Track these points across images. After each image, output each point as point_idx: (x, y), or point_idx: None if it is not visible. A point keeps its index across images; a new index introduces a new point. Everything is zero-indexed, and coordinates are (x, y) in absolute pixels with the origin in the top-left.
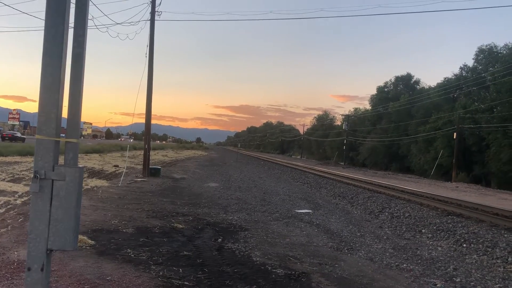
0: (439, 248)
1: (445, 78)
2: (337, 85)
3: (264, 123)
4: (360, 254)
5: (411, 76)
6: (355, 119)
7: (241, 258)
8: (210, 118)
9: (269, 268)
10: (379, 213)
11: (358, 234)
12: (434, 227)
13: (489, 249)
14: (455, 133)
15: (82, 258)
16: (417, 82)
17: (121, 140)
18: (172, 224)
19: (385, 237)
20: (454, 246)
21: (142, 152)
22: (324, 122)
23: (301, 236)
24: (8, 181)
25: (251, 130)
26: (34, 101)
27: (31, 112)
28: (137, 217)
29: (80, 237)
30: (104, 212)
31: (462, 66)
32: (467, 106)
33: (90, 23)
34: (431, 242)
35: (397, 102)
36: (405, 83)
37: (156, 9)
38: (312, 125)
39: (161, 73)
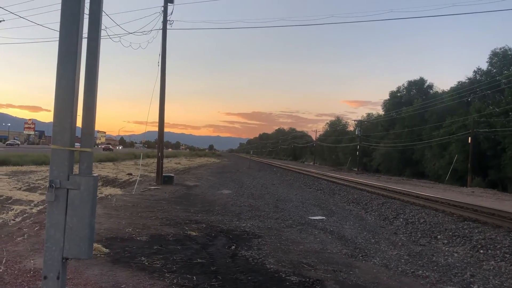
0: (455, 254)
1: (458, 82)
2: (349, 90)
3: (276, 130)
4: (375, 260)
5: (424, 81)
6: (368, 125)
7: (254, 266)
8: (222, 125)
9: (283, 275)
10: (393, 219)
11: (373, 240)
12: (450, 233)
13: (507, 255)
14: (469, 138)
15: (97, 266)
16: (430, 86)
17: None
18: (186, 232)
19: (400, 244)
20: (470, 252)
21: (155, 160)
22: (336, 128)
23: (315, 243)
24: (24, 190)
25: (263, 137)
26: (49, 111)
27: (46, 121)
28: (151, 225)
29: (95, 245)
30: (118, 220)
31: (476, 70)
32: (482, 110)
33: (103, 33)
34: (447, 248)
35: (410, 107)
36: (418, 87)
37: (167, 18)
38: (325, 131)
39: (173, 81)
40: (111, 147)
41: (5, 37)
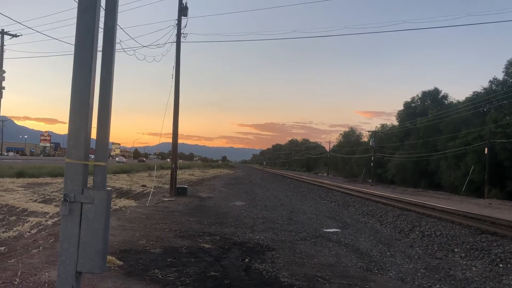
0: (474, 268)
1: (474, 92)
2: (363, 101)
3: (289, 141)
4: (391, 274)
5: (439, 91)
6: (382, 135)
7: (268, 279)
8: (235, 136)
9: None
10: (409, 232)
11: (388, 253)
12: (467, 246)
13: None
14: (486, 148)
15: (110, 279)
16: (445, 96)
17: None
18: (199, 244)
19: (416, 257)
20: (489, 266)
21: (169, 172)
22: (350, 138)
23: (329, 256)
24: (39, 202)
25: (276, 148)
26: (64, 123)
27: (62, 133)
28: (164, 237)
29: (109, 257)
30: (132, 232)
31: (491, 80)
32: (498, 120)
33: (117, 46)
34: (464, 262)
35: (425, 118)
36: (433, 98)
37: (181, 31)
38: (338, 142)
39: (187, 93)
40: (124, 159)
41: (22, 51)
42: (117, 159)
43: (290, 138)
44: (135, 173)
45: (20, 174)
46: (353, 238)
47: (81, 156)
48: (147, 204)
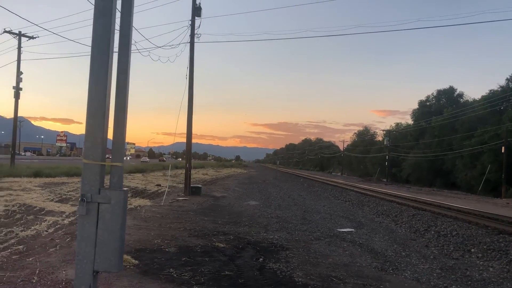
0: (491, 269)
1: (490, 90)
2: (378, 99)
3: (302, 140)
4: (406, 274)
5: (454, 89)
6: (396, 134)
7: (282, 279)
8: (248, 136)
9: None
10: (424, 232)
11: (403, 253)
12: (485, 246)
13: None
14: (503, 147)
15: (126, 277)
16: (461, 95)
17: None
18: (214, 243)
19: (431, 257)
20: (507, 267)
21: (183, 171)
22: (364, 137)
23: (343, 256)
24: (56, 202)
25: (290, 147)
26: (80, 123)
27: (77, 133)
28: (179, 236)
29: (124, 256)
30: (147, 232)
31: (508, 77)
32: None
33: (132, 47)
34: (481, 263)
35: (440, 116)
36: (448, 96)
37: (195, 32)
38: (352, 141)
39: (200, 92)
40: (147, 159)
41: (39, 52)
42: (141, 159)
43: (303, 138)
44: (150, 173)
45: (37, 174)
46: (368, 238)
47: (98, 157)
48: (162, 204)
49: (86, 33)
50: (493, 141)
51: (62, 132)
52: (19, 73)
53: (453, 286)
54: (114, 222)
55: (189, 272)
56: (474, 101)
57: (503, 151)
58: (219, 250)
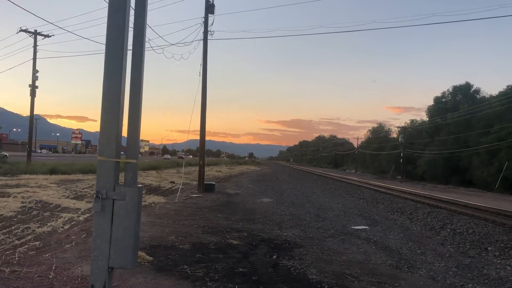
0: (508, 268)
1: (508, 85)
2: (392, 96)
3: (316, 137)
4: (421, 272)
5: (470, 85)
6: (411, 131)
7: (296, 276)
8: (262, 133)
9: (326, 286)
10: (440, 230)
11: (419, 251)
12: (502, 245)
13: None
14: None
15: (141, 274)
16: (477, 91)
17: (179, 157)
18: (227, 240)
19: (447, 255)
20: None
21: (197, 168)
22: (379, 134)
23: (358, 254)
24: (71, 198)
25: (303, 144)
26: (95, 120)
27: (92, 131)
28: (193, 233)
29: (139, 253)
30: (161, 228)
31: None
32: None
33: (146, 45)
34: (498, 261)
35: (456, 113)
36: (464, 92)
37: (208, 29)
38: (367, 138)
39: (214, 90)
40: (183, 156)
41: (55, 50)
42: (164, 156)
43: (317, 135)
44: (164, 170)
45: (52, 171)
46: (382, 235)
47: (112, 154)
48: (176, 200)
49: (101, 31)
50: (511, 138)
51: (77, 129)
52: (35, 71)
53: (470, 285)
54: (128, 219)
55: (203, 269)
56: (491, 97)
57: None
58: (233, 247)
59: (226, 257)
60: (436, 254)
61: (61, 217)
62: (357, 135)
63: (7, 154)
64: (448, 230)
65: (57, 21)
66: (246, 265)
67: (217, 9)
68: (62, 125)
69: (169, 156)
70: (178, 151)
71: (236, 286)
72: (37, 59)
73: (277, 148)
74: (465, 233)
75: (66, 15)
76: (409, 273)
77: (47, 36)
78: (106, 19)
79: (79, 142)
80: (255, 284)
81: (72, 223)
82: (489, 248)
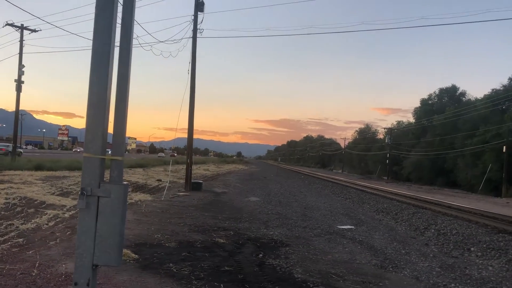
0: (490, 268)
1: (493, 89)
2: (379, 97)
3: (304, 137)
4: (405, 272)
5: (456, 88)
6: (398, 133)
7: (282, 275)
8: (250, 132)
9: (311, 285)
10: (424, 230)
11: (403, 251)
12: (484, 245)
13: None
14: (504, 147)
15: (126, 272)
16: (463, 94)
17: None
18: (214, 239)
19: (431, 255)
20: (506, 266)
21: (184, 167)
22: (366, 135)
23: (343, 253)
24: (57, 195)
25: (291, 144)
26: (82, 117)
27: (79, 127)
28: (179, 231)
29: (124, 251)
30: (147, 226)
31: (511, 77)
32: None
33: (134, 41)
34: (481, 261)
35: (442, 115)
36: (450, 95)
37: (197, 27)
38: (354, 139)
39: (202, 88)
40: (163, 154)
41: (42, 45)
42: (158, 154)
43: (305, 135)
44: (151, 168)
45: (38, 167)
46: (368, 235)
47: (98, 151)
48: (163, 199)
49: (88, 27)
50: (495, 141)
51: (63, 126)
52: (21, 66)
53: (452, 285)
54: (114, 216)
55: (189, 267)
56: (477, 100)
57: (504, 150)
58: (219, 245)
59: (212, 256)
60: (420, 254)
61: (46, 214)
62: (345, 136)
63: (22, 151)
64: (432, 230)
65: (45, 15)
66: (232, 263)
67: (207, 7)
68: (49, 121)
69: (163, 154)
70: (165, 149)
71: (222, 285)
72: (23, 54)
73: (265, 148)
74: (448, 233)
75: (53, 10)
76: (394, 273)
77: (34, 30)
78: (93, 14)
79: (65, 138)
80: (240, 283)
81: (57, 220)
82: (472, 249)
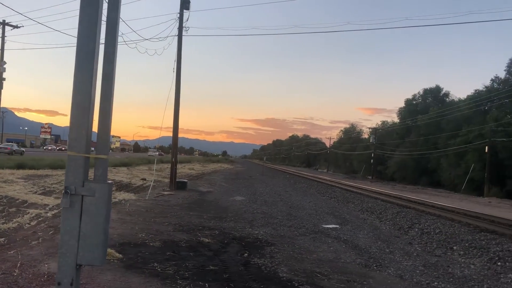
0: (472, 266)
1: (475, 90)
2: (364, 97)
3: (290, 136)
4: (390, 271)
5: (440, 89)
6: (382, 132)
7: (267, 274)
8: (236, 131)
9: (296, 284)
10: (408, 229)
11: (387, 250)
12: (466, 244)
13: None
14: (486, 147)
15: (110, 271)
16: (447, 94)
17: (149, 154)
18: (199, 238)
19: (415, 254)
20: (488, 264)
21: (169, 166)
22: (351, 135)
23: (328, 252)
24: (39, 194)
25: (277, 143)
26: (65, 115)
27: (62, 126)
28: (164, 230)
29: (108, 250)
30: (131, 226)
31: (493, 78)
32: (499, 118)
33: (119, 39)
34: (463, 260)
35: (426, 115)
36: (434, 95)
37: (183, 25)
38: (339, 138)
39: (188, 87)
40: (163, 153)
41: (24, 42)
42: (149, 153)
43: (290, 134)
44: (135, 167)
45: (20, 166)
46: (352, 234)
47: (82, 149)
48: (147, 198)
49: (72, 24)
50: (478, 141)
51: (46, 124)
52: (2, 62)
53: (435, 283)
54: (98, 215)
55: (174, 267)
56: (460, 100)
57: (486, 150)
58: (204, 245)
59: (197, 255)
60: (404, 253)
61: (28, 213)
62: (330, 135)
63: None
64: (416, 229)
65: (27, 11)
66: (217, 263)
67: (193, 6)
68: (31, 119)
69: (156, 153)
70: (150, 148)
71: (207, 284)
72: (5, 50)
73: (251, 147)
74: (432, 232)
75: (36, 6)
76: (378, 271)
77: (16, 27)
78: (78, 11)
79: (48, 136)
80: (226, 282)
81: (39, 219)
82: (455, 248)
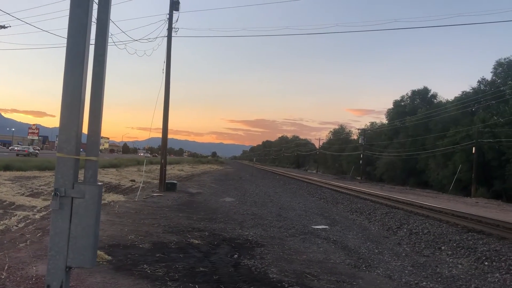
0: (460, 266)
1: (463, 92)
2: (353, 99)
3: (279, 137)
4: (379, 271)
5: (428, 90)
6: (371, 133)
7: (257, 275)
8: (225, 132)
9: (286, 285)
10: (397, 230)
11: (376, 250)
12: (454, 244)
13: None
14: (474, 148)
15: (99, 273)
16: (434, 95)
17: (140, 154)
18: (188, 240)
19: (403, 254)
20: (475, 264)
21: (158, 167)
22: (340, 136)
23: (318, 253)
24: (27, 196)
25: (267, 144)
26: (53, 116)
27: (50, 127)
28: (153, 232)
29: (98, 252)
30: (121, 227)
31: (480, 80)
32: (486, 120)
33: (108, 40)
34: (451, 260)
35: (414, 116)
36: (422, 96)
37: (173, 26)
38: (328, 139)
39: (177, 88)
40: (157, 155)
41: (11, 42)
42: (141, 153)
43: (280, 135)
44: (124, 168)
45: (7, 167)
46: (342, 235)
47: (72, 151)
48: (136, 199)
49: (61, 24)
50: (465, 142)
51: (34, 125)
52: None
53: (424, 283)
54: (88, 217)
55: (163, 269)
56: (447, 102)
57: (473, 151)
58: (194, 246)
59: (187, 257)
60: (393, 254)
61: (16, 215)
62: (319, 136)
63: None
64: (405, 230)
65: (15, 11)
66: (207, 264)
67: (182, 7)
68: (18, 120)
69: (149, 155)
70: (139, 149)
71: (197, 286)
72: None
73: (241, 148)
74: (420, 233)
75: (25, 6)
76: (367, 272)
77: (3, 27)
78: (68, 11)
79: (36, 137)
80: (216, 284)
81: (27, 222)
82: (443, 248)
